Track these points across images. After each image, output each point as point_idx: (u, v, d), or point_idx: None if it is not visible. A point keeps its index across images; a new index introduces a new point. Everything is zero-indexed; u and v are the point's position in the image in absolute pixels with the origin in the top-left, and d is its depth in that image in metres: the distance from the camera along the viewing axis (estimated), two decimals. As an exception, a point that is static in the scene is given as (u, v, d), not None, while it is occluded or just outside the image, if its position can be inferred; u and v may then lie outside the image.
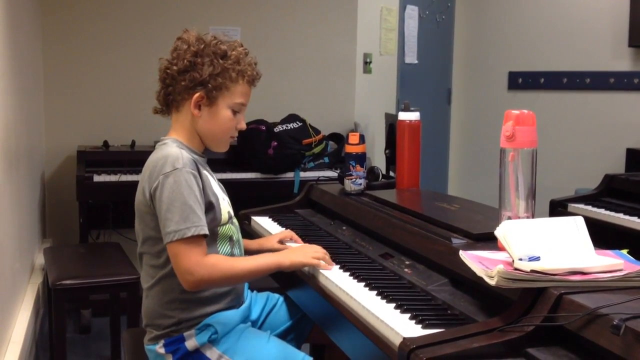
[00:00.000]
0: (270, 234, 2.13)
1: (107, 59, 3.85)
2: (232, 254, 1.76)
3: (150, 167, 1.67)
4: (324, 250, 1.78)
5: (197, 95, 1.71)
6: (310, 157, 3.78)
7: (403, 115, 2.23)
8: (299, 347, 1.90)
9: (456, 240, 1.57)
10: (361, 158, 2.22)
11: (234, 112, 1.75)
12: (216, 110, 1.73)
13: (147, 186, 1.65)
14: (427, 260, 1.64)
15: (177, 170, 1.62)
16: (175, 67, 1.72)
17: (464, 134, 5.35)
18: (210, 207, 1.68)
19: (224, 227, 1.74)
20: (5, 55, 2.42)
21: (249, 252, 1.99)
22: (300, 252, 1.76)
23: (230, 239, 1.76)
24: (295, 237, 2.02)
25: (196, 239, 1.60)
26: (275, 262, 1.73)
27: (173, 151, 1.66)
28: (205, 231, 1.62)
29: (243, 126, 1.80)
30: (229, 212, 1.77)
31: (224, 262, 1.66)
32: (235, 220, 1.82)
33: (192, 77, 1.70)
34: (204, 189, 1.67)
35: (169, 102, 1.77)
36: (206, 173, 1.74)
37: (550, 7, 4.73)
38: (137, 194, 1.71)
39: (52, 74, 3.77)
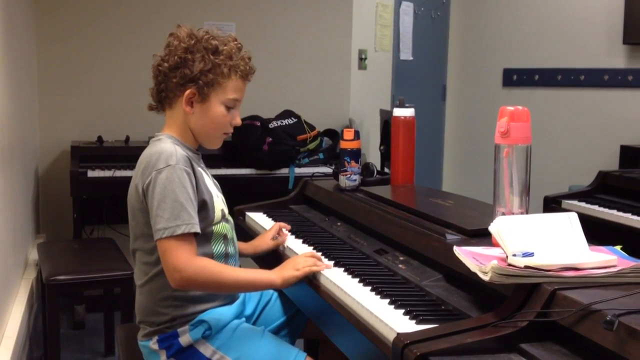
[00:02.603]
0: (265, 229, 2.13)
1: (102, 55, 3.84)
2: (226, 253, 1.75)
3: (143, 163, 1.66)
4: (313, 257, 1.73)
5: (188, 91, 1.69)
6: (305, 153, 3.78)
7: (398, 112, 2.23)
8: (293, 342, 1.90)
9: (450, 236, 1.58)
10: (356, 154, 2.22)
11: (228, 108, 1.73)
12: (208, 106, 1.71)
13: (140, 182, 1.64)
14: (422, 256, 1.65)
15: (170, 166, 1.61)
16: (166, 64, 1.70)
17: (459, 130, 5.35)
18: (203, 205, 1.67)
19: (218, 225, 1.72)
20: (0, 51, 2.41)
21: (243, 256, 1.98)
22: (291, 267, 1.70)
23: (225, 237, 1.75)
24: (283, 224, 2.02)
25: (186, 236, 1.59)
26: (267, 280, 1.69)
27: (167, 147, 1.65)
28: (197, 229, 1.60)
29: (238, 122, 1.78)
30: (222, 210, 1.75)
31: (214, 267, 1.64)
32: (230, 218, 1.81)
33: (183, 74, 1.68)
34: (198, 186, 1.66)
35: (161, 99, 1.75)
36: (200, 170, 1.73)
37: (546, 4, 4.74)
38: (129, 190, 1.70)
39: (46, 70, 3.76)
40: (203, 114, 1.72)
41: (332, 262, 1.73)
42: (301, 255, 1.77)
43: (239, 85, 1.74)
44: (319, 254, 1.79)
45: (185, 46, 1.69)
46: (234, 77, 1.72)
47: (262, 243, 1.98)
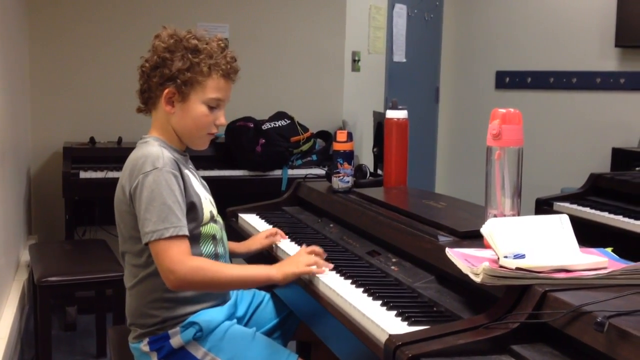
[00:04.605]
0: (258, 231, 2.13)
1: (94, 56, 3.83)
2: (216, 253, 1.75)
3: (130, 166, 1.65)
4: (316, 254, 1.72)
5: (167, 90, 1.69)
6: (298, 155, 3.78)
7: (391, 114, 2.23)
8: (285, 344, 1.90)
9: (442, 238, 1.58)
10: (349, 156, 2.22)
11: (210, 108, 1.72)
12: (189, 105, 1.70)
13: (127, 185, 1.63)
14: (414, 257, 1.65)
15: (157, 169, 1.60)
16: (147, 64, 1.70)
17: (452, 132, 5.37)
18: (192, 207, 1.66)
19: (206, 226, 1.72)
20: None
21: (236, 256, 1.97)
22: (293, 263, 1.69)
23: (214, 237, 1.75)
24: (280, 232, 2.01)
25: (177, 237, 1.58)
26: (265, 274, 1.67)
27: (153, 150, 1.64)
28: (185, 232, 1.60)
29: (222, 122, 1.76)
30: (211, 212, 1.75)
31: (209, 266, 1.63)
32: (219, 219, 1.81)
33: (162, 73, 1.68)
34: (186, 189, 1.65)
35: (145, 100, 1.75)
36: (188, 172, 1.72)
37: (538, 7, 4.76)
38: (116, 193, 1.69)
39: (38, 70, 3.75)
40: (184, 113, 1.71)
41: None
42: (302, 251, 1.75)
43: (220, 85, 1.72)
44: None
45: (165, 46, 1.69)
46: (215, 76, 1.71)
47: (255, 244, 1.98)
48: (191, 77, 1.68)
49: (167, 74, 1.68)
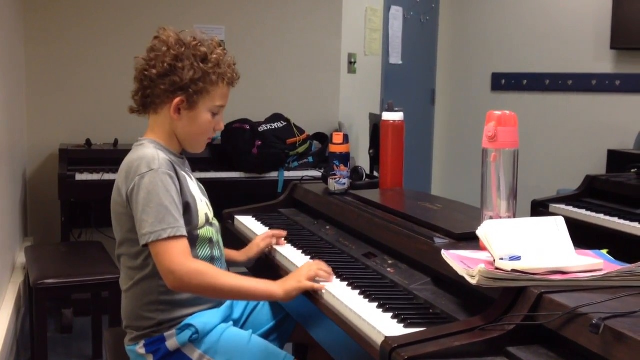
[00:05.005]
0: (254, 233, 2.12)
1: (90, 57, 3.83)
2: (212, 256, 1.75)
3: (126, 168, 1.65)
4: (319, 265, 1.66)
5: (177, 100, 1.69)
6: (294, 157, 3.78)
7: (387, 116, 2.24)
8: (282, 347, 1.89)
9: (438, 240, 1.58)
10: (345, 158, 2.22)
11: (213, 114, 1.74)
12: (197, 114, 1.71)
13: (124, 187, 1.63)
14: (410, 259, 1.65)
15: (153, 171, 1.60)
16: (154, 70, 1.68)
17: (448, 134, 5.37)
18: (187, 208, 1.66)
19: (203, 229, 1.72)
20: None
21: (237, 265, 1.97)
22: (294, 279, 1.64)
23: (210, 241, 1.75)
24: (277, 233, 2.00)
25: (176, 238, 1.58)
26: (267, 291, 1.63)
27: (149, 152, 1.64)
28: (182, 232, 1.59)
29: (221, 127, 1.78)
30: (206, 214, 1.75)
31: (209, 270, 1.61)
32: (215, 222, 1.81)
33: (172, 82, 1.67)
34: (182, 190, 1.66)
35: (146, 104, 1.74)
36: (184, 174, 1.72)
37: (534, 9, 4.77)
38: (113, 195, 1.69)
39: (34, 72, 3.74)
40: (191, 121, 1.72)
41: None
42: (305, 266, 1.69)
43: (225, 92, 1.74)
44: (309, 257, 1.78)
45: (174, 53, 1.68)
46: (222, 84, 1.72)
47: (253, 247, 1.97)
48: (202, 87, 1.68)
49: (178, 83, 1.67)
